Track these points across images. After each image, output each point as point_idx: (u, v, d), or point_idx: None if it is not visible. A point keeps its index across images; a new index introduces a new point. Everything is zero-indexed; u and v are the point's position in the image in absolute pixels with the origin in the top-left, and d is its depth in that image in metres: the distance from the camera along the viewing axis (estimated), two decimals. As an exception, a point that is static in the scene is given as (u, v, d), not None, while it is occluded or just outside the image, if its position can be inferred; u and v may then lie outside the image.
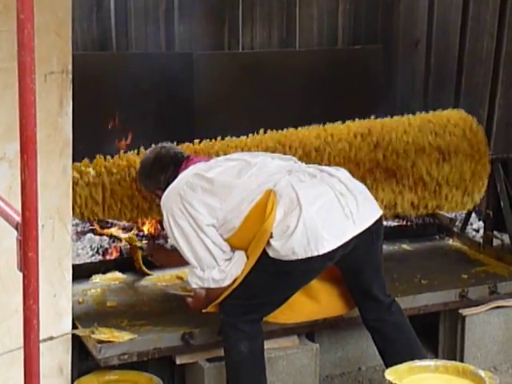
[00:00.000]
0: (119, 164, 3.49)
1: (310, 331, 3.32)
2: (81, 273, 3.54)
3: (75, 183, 3.33)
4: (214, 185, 2.89)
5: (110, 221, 4.37)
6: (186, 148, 3.50)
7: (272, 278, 2.86)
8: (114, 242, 4.36)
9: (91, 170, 3.44)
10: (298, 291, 2.95)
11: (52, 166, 2.70)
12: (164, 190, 3.00)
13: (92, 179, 3.42)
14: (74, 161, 2.90)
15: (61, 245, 2.81)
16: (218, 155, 3.45)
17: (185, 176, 2.98)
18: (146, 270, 3.76)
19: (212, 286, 2.92)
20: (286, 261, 2.77)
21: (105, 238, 4.39)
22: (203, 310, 3.00)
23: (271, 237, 2.78)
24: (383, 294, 3.03)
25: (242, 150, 3.58)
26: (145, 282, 3.70)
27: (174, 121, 5.00)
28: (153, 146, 3.31)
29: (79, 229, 4.54)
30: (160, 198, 3.02)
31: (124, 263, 3.85)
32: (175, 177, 3.01)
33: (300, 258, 2.75)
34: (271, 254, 2.80)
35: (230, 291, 2.89)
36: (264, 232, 2.79)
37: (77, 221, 4.37)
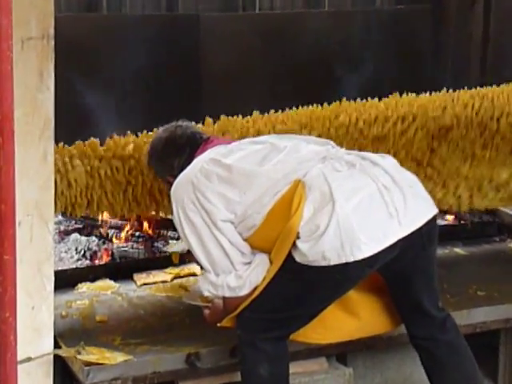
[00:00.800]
0: (112, 148, 3.47)
1: (341, 352, 3.33)
2: (64, 281, 3.56)
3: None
4: (232, 173, 2.88)
5: (99, 218, 4.39)
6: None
7: (299, 287, 2.85)
8: (104, 243, 4.36)
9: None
10: (332, 304, 2.93)
11: (30, 151, 2.71)
12: (177, 177, 2.98)
13: (78, 166, 3.41)
14: (56, 145, 2.89)
15: (41, 247, 2.81)
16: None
17: (200, 161, 2.97)
18: None
19: (227, 294, 2.92)
20: (316, 267, 2.76)
21: (93, 238, 4.39)
22: (218, 325, 3.00)
23: (298, 238, 2.78)
24: (436, 307, 3.03)
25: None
26: (141, 291, 3.70)
27: (177, 95, 4.99)
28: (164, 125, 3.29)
29: (62, 227, 4.54)
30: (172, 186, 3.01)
31: (116, 269, 3.87)
32: (191, 161, 3.01)
33: (332, 264, 2.74)
34: (298, 258, 2.79)
35: (249, 302, 2.89)
36: (289, 232, 2.78)
37: (60, 218, 4.38)
